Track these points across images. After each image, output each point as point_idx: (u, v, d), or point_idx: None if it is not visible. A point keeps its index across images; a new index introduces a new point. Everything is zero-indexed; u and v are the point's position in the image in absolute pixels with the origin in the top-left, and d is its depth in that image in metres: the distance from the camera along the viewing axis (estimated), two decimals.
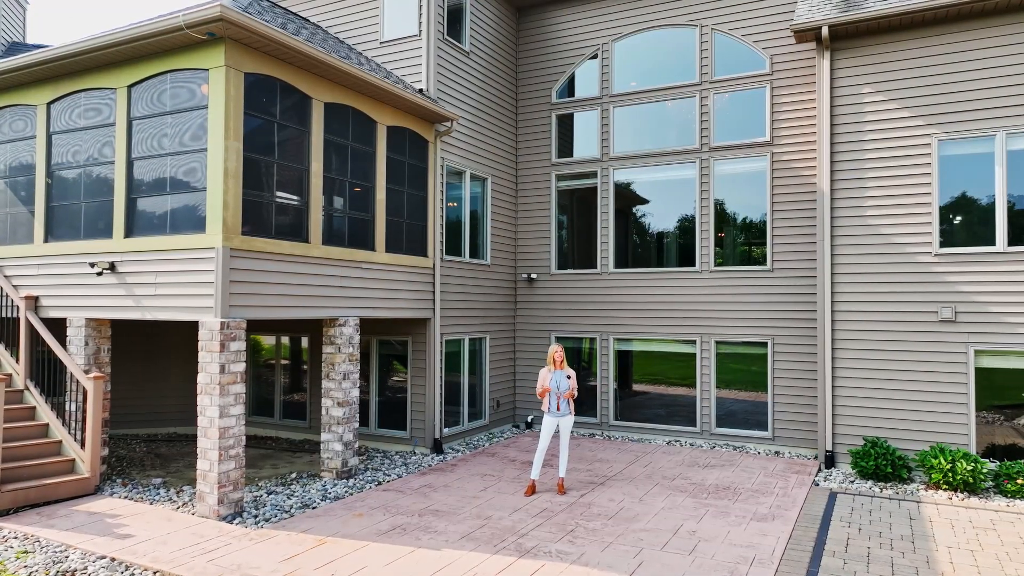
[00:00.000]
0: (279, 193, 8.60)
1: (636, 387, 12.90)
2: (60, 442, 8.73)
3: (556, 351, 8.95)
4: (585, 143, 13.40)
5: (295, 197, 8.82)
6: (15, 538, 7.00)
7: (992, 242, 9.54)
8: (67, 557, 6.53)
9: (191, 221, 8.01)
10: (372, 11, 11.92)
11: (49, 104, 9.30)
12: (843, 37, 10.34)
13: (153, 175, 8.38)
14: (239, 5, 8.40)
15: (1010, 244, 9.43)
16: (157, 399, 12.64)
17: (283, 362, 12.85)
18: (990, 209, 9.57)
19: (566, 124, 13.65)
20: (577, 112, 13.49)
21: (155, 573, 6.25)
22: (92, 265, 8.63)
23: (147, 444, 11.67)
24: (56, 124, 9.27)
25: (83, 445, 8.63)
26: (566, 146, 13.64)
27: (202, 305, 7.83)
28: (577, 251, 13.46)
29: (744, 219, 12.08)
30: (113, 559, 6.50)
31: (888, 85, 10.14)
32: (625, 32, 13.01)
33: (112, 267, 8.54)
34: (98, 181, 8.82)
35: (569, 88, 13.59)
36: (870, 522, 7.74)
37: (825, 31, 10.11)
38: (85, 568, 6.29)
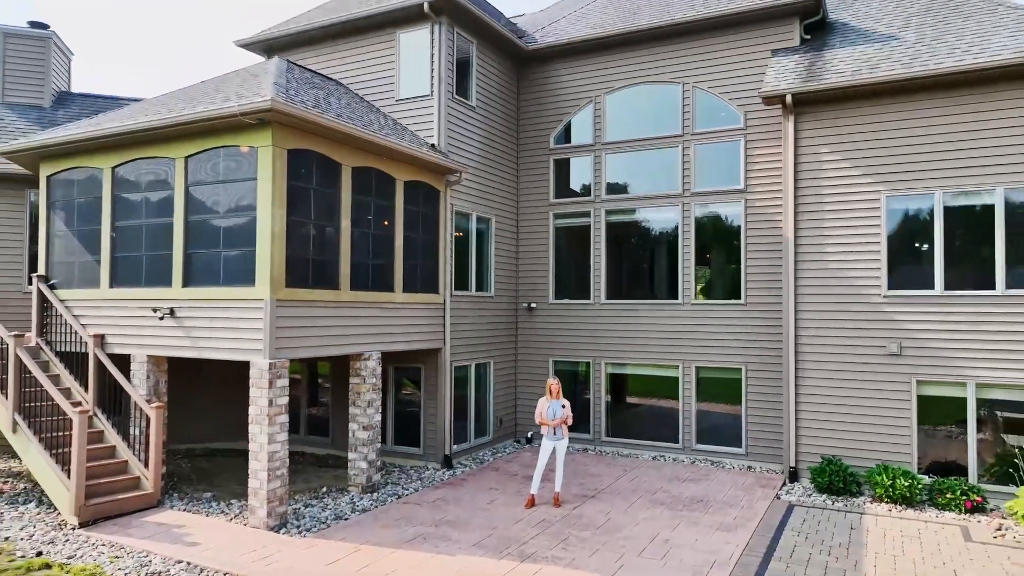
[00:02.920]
0: (315, 248, 10.03)
1: (626, 406, 14.33)
2: (126, 462, 10.16)
3: (553, 383, 10.39)
4: (580, 185, 14.83)
5: (328, 250, 10.24)
6: (103, 545, 8.43)
7: (932, 286, 10.97)
8: (151, 561, 7.96)
9: (242, 274, 9.45)
10: (389, 71, 13.34)
11: (114, 168, 10.73)
12: (804, 103, 11.77)
13: (207, 233, 9.82)
14: (280, 85, 9.84)
15: (947, 288, 10.87)
16: (193, 418, 14.05)
17: (306, 381, 14.27)
18: (930, 257, 11.00)
19: (563, 167, 15.07)
20: (573, 157, 14.92)
21: (225, 575, 7.68)
22: (155, 311, 10.07)
23: (189, 459, 13.09)
24: (120, 186, 10.70)
25: (146, 464, 10.06)
26: (563, 187, 15.06)
27: (252, 348, 9.26)
28: (573, 283, 14.89)
29: (721, 257, 13.51)
30: (189, 563, 7.93)
31: (844, 146, 11.58)
32: (617, 86, 14.44)
33: (172, 312, 9.97)
34: (157, 237, 10.25)
35: (566, 135, 15.02)
36: (816, 531, 9.18)
37: (789, 98, 11.54)
38: (168, 570, 7.72)
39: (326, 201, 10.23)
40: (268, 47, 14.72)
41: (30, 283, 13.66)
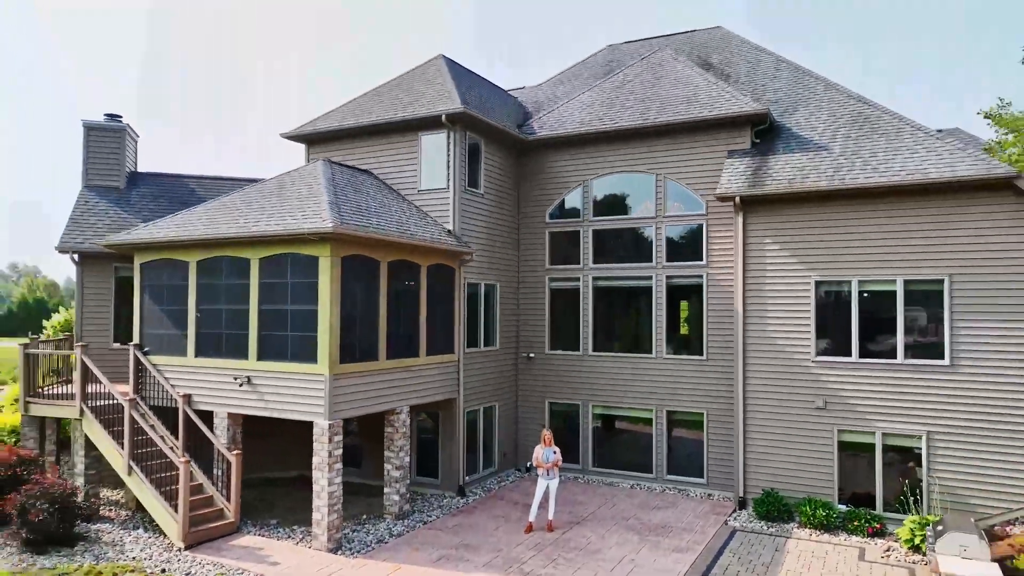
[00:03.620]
0: (360, 329, 12.81)
1: (609, 441, 17.11)
2: (212, 496, 12.95)
3: (546, 434, 13.18)
4: (571, 254, 17.61)
5: (370, 330, 13.02)
6: (208, 564, 11.21)
7: (850, 354, 13.75)
8: None
9: (306, 353, 12.23)
10: (412, 165, 16.11)
11: (198, 261, 13.51)
12: (750, 203, 14.54)
13: (277, 319, 12.60)
14: (334, 203, 12.62)
15: (860, 356, 13.65)
16: (249, 450, 16.79)
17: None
18: (848, 330, 13.77)
19: (556, 239, 17.85)
20: (565, 230, 17.70)
21: None
22: (235, 378, 12.86)
23: (252, 489, 15.87)
24: (203, 275, 13.48)
25: (228, 499, 12.85)
26: (556, 255, 17.84)
27: (315, 411, 12.05)
28: (565, 336, 17.66)
29: (687, 318, 16.28)
30: None
31: (782, 237, 14.35)
32: (602, 173, 17.23)
33: (248, 380, 12.77)
34: (235, 318, 13.04)
35: (559, 211, 17.80)
36: (749, 553, 11.96)
37: (738, 199, 14.32)
38: None
39: (368, 291, 13.02)
40: (308, 140, 17.52)
41: (115, 340, 16.48)
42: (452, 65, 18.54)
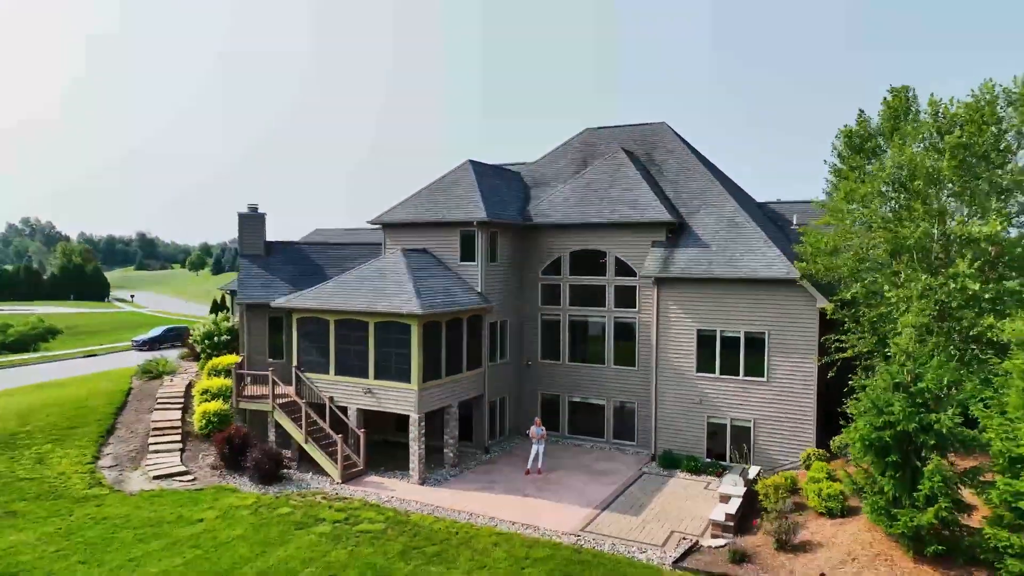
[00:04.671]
0: (431, 360, 22.54)
1: (578, 418, 27.03)
2: (349, 454, 22.89)
3: (537, 419, 23.14)
4: (555, 299, 27.26)
5: (437, 359, 22.77)
6: (356, 490, 21.20)
7: (715, 372, 23.55)
8: (379, 496, 20.75)
9: (403, 375, 22.03)
10: (454, 245, 25.63)
11: (335, 320, 23.19)
12: (662, 279, 24.15)
13: (386, 355, 22.33)
14: (417, 290, 22.25)
15: (720, 373, 23.46)
16: (371, 428, 26.74)
17: None
18: (713, 357, 23.52)
19: (545, 288, 27.44)
20: (551, 283, 27.30)
21: (410, 501, 20.48)
22: (362, 390, 22.70)
23: (372, 447, 25.84)
24: (339, 327, 23.16)
25: (359, 455, 22.81)
26: (545, 299, 27.46)
27: (409, 409, 21.93)
28: (551, 351, 27.43)
29: (626, 343, 26.02)
30: (393, 496, 20.73)
31: (680, 300, 23.99)
32: (575, 247, 26.77)
33: (370, 390, 22.60)
34: (359, 353, 22.77)
35: (547, 270, 27.36)
36: (647, 484, 21.94)
37: (655, 277, 23.93)
38: (389, 499, 20.52)
39: (435, 338, 22.73)
40: (385, 225, 27.02)
41: (269, 357, 26.28)
42: (477, 168, 27.81)
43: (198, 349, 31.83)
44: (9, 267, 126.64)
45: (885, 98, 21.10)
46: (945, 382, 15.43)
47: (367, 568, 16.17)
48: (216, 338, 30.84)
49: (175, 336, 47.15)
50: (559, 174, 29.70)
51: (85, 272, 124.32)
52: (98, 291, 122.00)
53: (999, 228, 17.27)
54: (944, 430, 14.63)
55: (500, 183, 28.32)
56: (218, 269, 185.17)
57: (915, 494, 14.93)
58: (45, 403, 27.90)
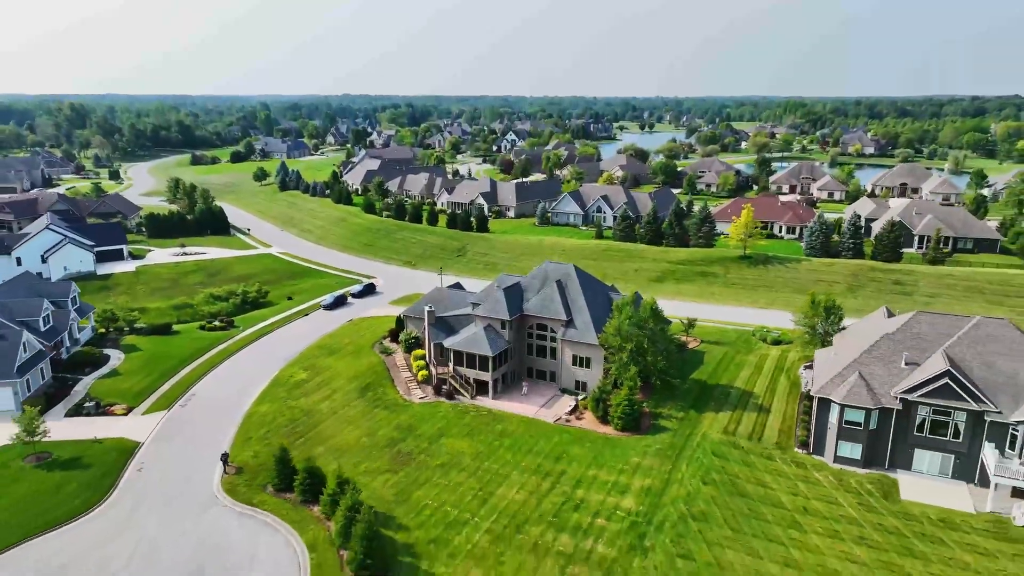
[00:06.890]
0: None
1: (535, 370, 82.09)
2: (471, 389, 78.14)
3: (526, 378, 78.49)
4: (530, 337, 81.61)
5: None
6: (476, 403, 76.78)
7: None
8: (481, 403, 76.32)
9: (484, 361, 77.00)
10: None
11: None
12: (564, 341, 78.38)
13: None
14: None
15: None
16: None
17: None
18: None
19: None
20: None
21: (484, 409, 76.09)
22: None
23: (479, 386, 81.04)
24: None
25: (474, 388, 78.16)
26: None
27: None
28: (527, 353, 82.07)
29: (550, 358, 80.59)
30: (486, 403, 76.37)
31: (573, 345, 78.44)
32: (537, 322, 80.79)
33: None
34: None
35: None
36: (552, 400, 77.49)
37: (560, 340, 78.22)
38: (484, 404, 76.21)
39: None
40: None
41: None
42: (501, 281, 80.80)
43: (403, 345, 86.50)
44: (163, 211, 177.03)
45: None
46: None
47: (475, 421, 71.87)
48: (411, 341, 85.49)
49: (344, 298, 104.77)
50: (532, 290, 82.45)
51: (213, 212, 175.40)
52: (224, 226, 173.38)
53: None
54: None
55: (517, 289, 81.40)
56: (284, 186, 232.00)
57: None
58: (341, 373, 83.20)
